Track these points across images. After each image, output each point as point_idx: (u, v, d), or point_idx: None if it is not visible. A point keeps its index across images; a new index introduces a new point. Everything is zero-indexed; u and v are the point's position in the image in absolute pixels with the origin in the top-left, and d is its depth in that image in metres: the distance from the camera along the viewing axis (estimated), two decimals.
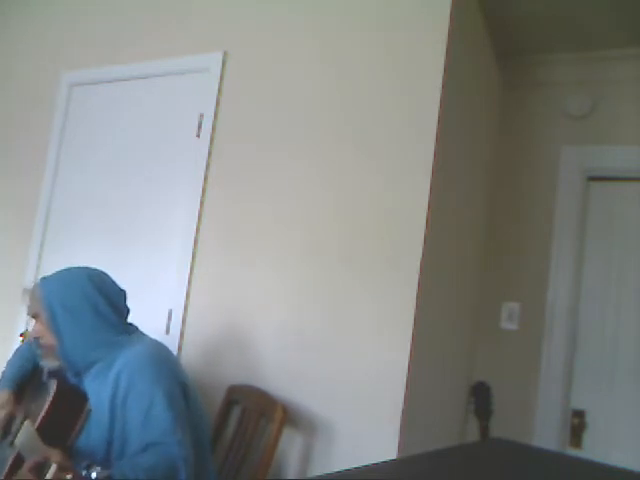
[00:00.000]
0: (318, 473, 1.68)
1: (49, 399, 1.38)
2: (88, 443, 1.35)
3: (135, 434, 1.29)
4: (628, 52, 2.30)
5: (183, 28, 2.30)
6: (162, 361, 1.41)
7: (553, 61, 2.46)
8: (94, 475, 1.04)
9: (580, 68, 2.42)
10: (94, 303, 1.41)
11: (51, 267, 2.42)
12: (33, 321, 1.47)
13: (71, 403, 1.40)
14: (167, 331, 2.05)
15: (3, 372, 1.64)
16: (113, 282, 1.51)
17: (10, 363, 1.66)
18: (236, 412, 1.83)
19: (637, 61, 2.31)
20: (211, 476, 1.48)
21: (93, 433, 1.35)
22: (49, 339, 1.40)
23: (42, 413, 1.36)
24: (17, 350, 1.71)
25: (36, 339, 1.44)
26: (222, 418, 1.83)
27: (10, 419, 1.55)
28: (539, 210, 2.42)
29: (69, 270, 1.49)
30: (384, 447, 1.60)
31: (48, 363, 1.44)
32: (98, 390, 1.37)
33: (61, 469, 1.04)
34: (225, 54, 2.15)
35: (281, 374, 1.80)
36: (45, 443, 1.23)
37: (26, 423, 1.35)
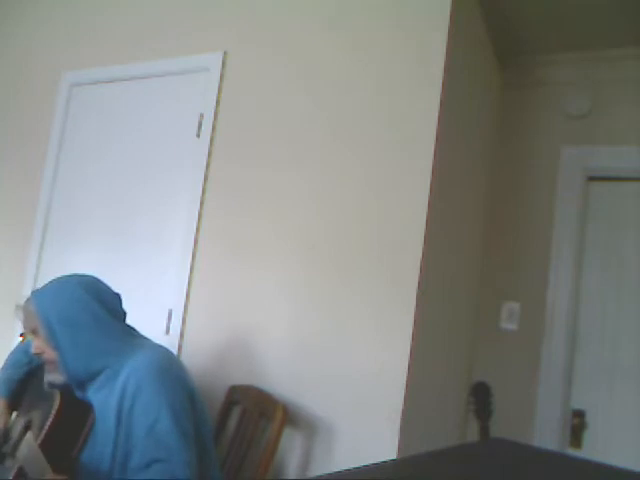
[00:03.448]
0: (318, 473, 1.68)
1: (52, 413, 1.33)
2: (93, 455, 1.32)
3: (139, 447, 1.26)
4: (628, 52, 2.30)
5: (183, 28, 2.30)
6: (169, 370, 1.38)
7: (553, 61, 2.46)
8: None
9: (580, 68, 2.42)
10: (91, 311, 1.37)
11: (51, 267, 2.43)
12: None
13: (75, 415, 1.36)
14: (167, 331, 2.05)
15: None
16: (106, 286, 1.47)
17: (3, 369, 1.64)
18: (236, 412, 1.83)
19: (637, 61, 2.31)
20: (215, 470, 1.48)
21: (99, 444, 1.33)
22: (50, 354, 1.36)
23: (45, 428, 1.32)
24: (10, 355, 1.68)
25: (37, 355, 1.39)
26: (222, 418, 1.83)
27: (6, 431, 1.54)
28: (539, 210, 2.42)
29: (60, 280, 1.44)
30: (384, 447, 1.60)
31: (54, 379, 1.39)
32: (104, 400, 1.34)
33: None
34: (225, 54, 2.15)
35: (281, 374, 1.80)
36: (48, 460, 1.20)
37: (28, 436, 1.32)
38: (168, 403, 1.29)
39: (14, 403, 1.60)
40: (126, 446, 1.28)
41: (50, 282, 1.45)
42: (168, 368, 1.38)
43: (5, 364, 1.65)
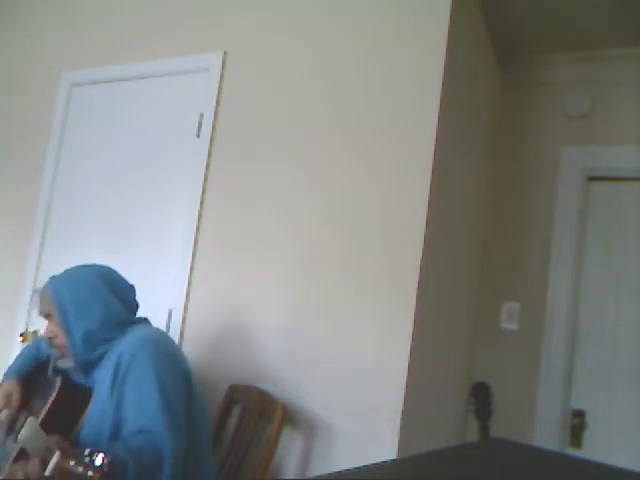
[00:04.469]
0: (318, 473, 1.68)
1: (53, 394, 1.38)
2: (92, 430, 1.35)
3: (130, 418, 1.29)
4: (628, 52, 2.30)
5: (183, 28, 2.30)
6: (165, 348, 1.41)
7: (553, 61, 2.46)
8: (97, 461, 1.03)
9: (580, 68, 2.42)
10: (105, 300, 1.42)
11: (51, 267, 2.43)
12: (36, 323, 1.46)
13: (75, 399, 1.40)
14: (167, 331, 2.05)
15: (9, 366, 1.65)
16: (122, 277, 1.53)
17: (16, 359, 1.67)
18: (236, 412, 1.83)
19: (637, 61, 2.31)
20: (211, 474, 1.48)
21: (96, 418, 1.35)
22: (62, 338, 1.40)
23: (45, 408, 1.36)
24: (24, 349, 1.71)
25: (49, 339, 1.44)
26: (222, 417, 1.83)
27: (16, 416, 1.55)
28: (539, 210, 2.42)
29: (78, 268, 1.50)
30: (384, 447, 1.60)
31: (64, 364, 1.44)
32: (102, 376, 1.38)
33: (64, 456, 1.04)
34: (225, 54, 2.15)
35: (281, 374, 1.80)
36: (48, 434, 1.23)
37: (30, 419, 1.35)
38: (158, 376, 1.32)
39: (26, 387, 1.61)
40: (117, 414, 1.31)
41: (68, 269, 1.50)
42: (164, 345, 1.41)
43: (16, 358, 1.68)
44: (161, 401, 1.29)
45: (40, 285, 1.50)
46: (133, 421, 1.28)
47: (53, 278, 1.46)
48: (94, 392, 1.40)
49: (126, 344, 1.37)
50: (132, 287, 1.53)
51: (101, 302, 1.41)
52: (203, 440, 1.46)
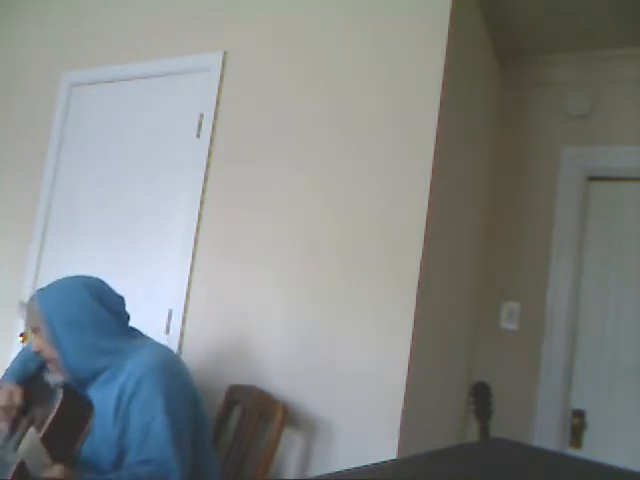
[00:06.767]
0: (318, 473, 1.68)
1: (55, 408, 1.34)
2: (92, 451, 1.33)
3: (134, 445, 1.27)
4: (628, 52, 2.30)
5: (183, 28, 2.30)
6: (171, 370, 1.38)
7: (553, 61, 2.46)
8: None
9: (580, 68, 2.42)
10: (93, 312, 1.38)
11: (51, 267, 2.43)
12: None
13: (77, 412, 1.36)
14: (167, 331, 2.05)
15: (6, 370, 1.63)
16: (111, 289, 1.49)
17: (13, 362, 1.65)
18: (236, 412, 1.83)
19: (637, 61, 2.31)
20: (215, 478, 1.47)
21: (97, 440, 1.33)
22: (50, 352, 1.37)
23: (48, 422, 1.32)
24: (20, 352, 1.69)
25: (37, 353, 1.41)
26: (222, 418, 1.83)
27: (18, 418, 1.54)
28: (539, 210, 2.42)
29: (65, 280, 1.46)
30: (384, 447, 1.60)
31: (55, 378, 1.40)
32: (104, 398, 1.35)
33: None
34: (225, 54, 2.15)
35: (281, 374, 1.80)
36: (50, 454, 1.21)
37: (31, 430, 1.33)
38: (165, 403, 1.29)
39: (26, 391, 1.60)
40: (120, 440, 1.29)
41: (55, 282, 1.46)
42: (170, 367, 1.39)
43: (13, 361, 1.66)
44: (169, 429, 1.27)
45: (27, 298, 1.45)
46: (138, 448, 1.26)
47: (40, 291, 1.43)
48: (95, 413, 1.35)
49: (132, 366, 1.33)
50: (121, 298, 1.49)
51: (90, 316, 1.37)
52: (211, 467, 1.45)
